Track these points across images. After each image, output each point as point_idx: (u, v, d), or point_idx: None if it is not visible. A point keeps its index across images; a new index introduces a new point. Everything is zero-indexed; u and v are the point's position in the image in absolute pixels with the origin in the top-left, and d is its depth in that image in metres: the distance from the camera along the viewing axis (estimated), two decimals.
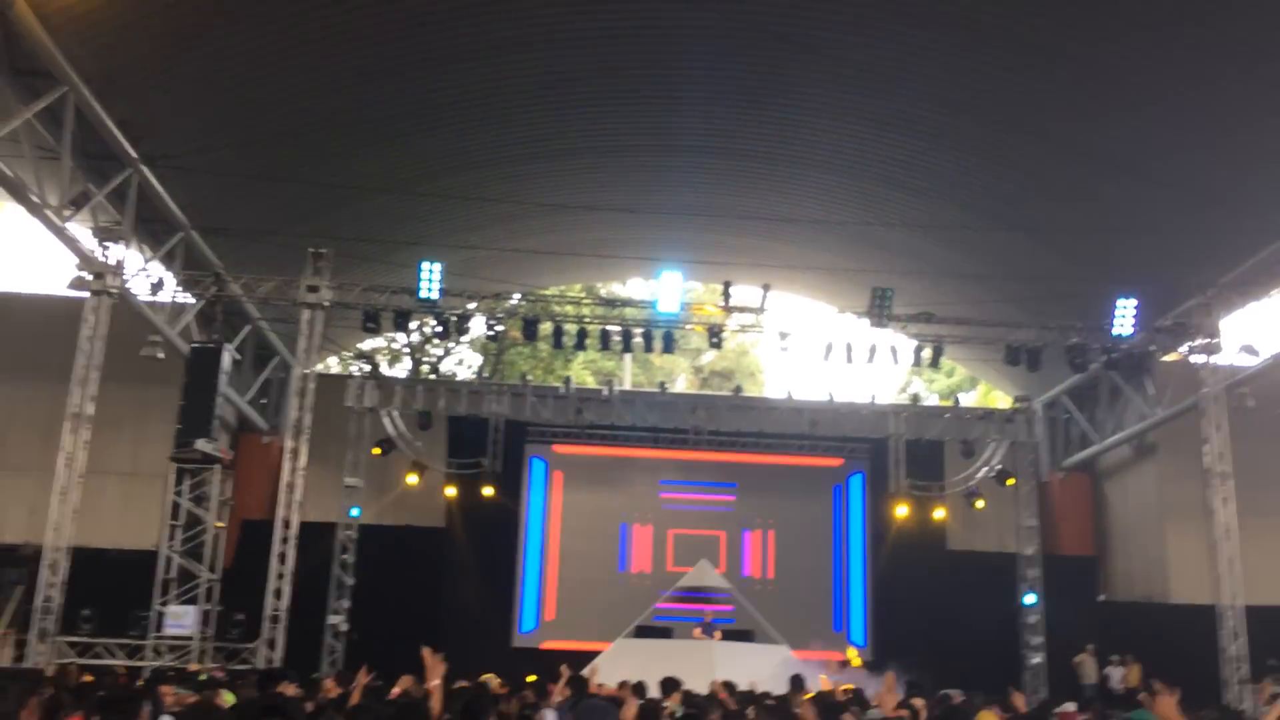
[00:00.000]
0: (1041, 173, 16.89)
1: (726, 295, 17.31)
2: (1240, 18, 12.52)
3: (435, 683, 6.75)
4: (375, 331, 17.85)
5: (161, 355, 16.63)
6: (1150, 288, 17.36)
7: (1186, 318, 17.99)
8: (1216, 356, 17.62)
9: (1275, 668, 15.60)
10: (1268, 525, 17.62)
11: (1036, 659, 20.49)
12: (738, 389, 23.37)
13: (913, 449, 21.96)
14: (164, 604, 16.29)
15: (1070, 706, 10.32)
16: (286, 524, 15.91)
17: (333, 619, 18.94)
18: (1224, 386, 17.50)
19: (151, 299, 16.65)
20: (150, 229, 16.87)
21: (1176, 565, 20.14)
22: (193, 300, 17.70)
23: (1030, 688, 19.89)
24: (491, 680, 12.60)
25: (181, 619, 16.02)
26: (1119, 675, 18.96)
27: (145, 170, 15.47)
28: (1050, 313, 18.02)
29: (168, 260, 17.09)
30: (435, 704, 6.52)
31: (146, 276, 16.59)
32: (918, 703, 9.16)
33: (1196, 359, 17.81)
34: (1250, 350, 17.21)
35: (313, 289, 16.55)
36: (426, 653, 8.11)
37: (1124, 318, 16.61)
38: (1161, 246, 17.35)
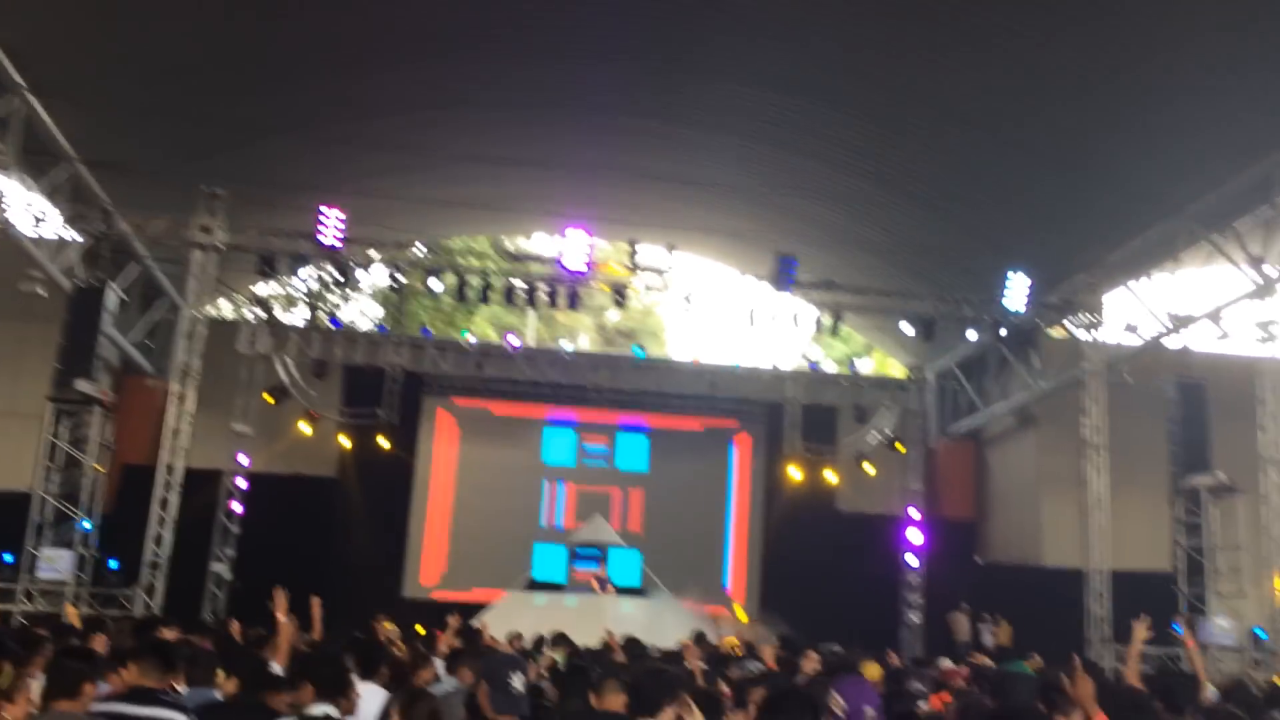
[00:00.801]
0: (941, 146, 17.21)
1: (633, 254, 17.36)
2: (1140, 5, 12.90)
3: (283, 618, 6.73)
4: (270, 276, 17.43)
5: (44, 292, 15.96)
6: (1040, 264, 17.95)
7: (1073, 294, 18.67)
8: (1098, 333, 18.36)
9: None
10: (1137, 496, 18.46)
11: (914, 617, 21.24)
12: (638, 350, 23.51)
13: (808, 413, 22.43)
14: (37, 547, 15.74)
15: (947, 662, 10.72)
16: (170, 469, 15.52)
17: (215, 567, 18.59)
18: (1104, 362, 18.25)
19: (35, 233, 15.94)
20: (35, 161, 16.06)
21: (1050, 530, 20.99)
22: (78, 236, 17.00)
23: (907, 644, 20.64)
24: (388, 628, 12.57)
25: (56, 563, 15.49)
26: (989, 634, 19.77)
27: (31, 99, 14.73)
28: (945, 284, 18.50)
29: (52, 194, 16.35)
30: (282, 640, 6.53)
31: (29, 210, 15.86)
32: (811, 655, 9.41)
33: (1080, 334, 18.53)
34: (1130, 328, 17.94)
35: (206, 230, 16.06)
36: (315, 603, 8.06)
37: (1014, 292, 17.13)
38: (1053, 224, 17.91)
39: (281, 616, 6.78)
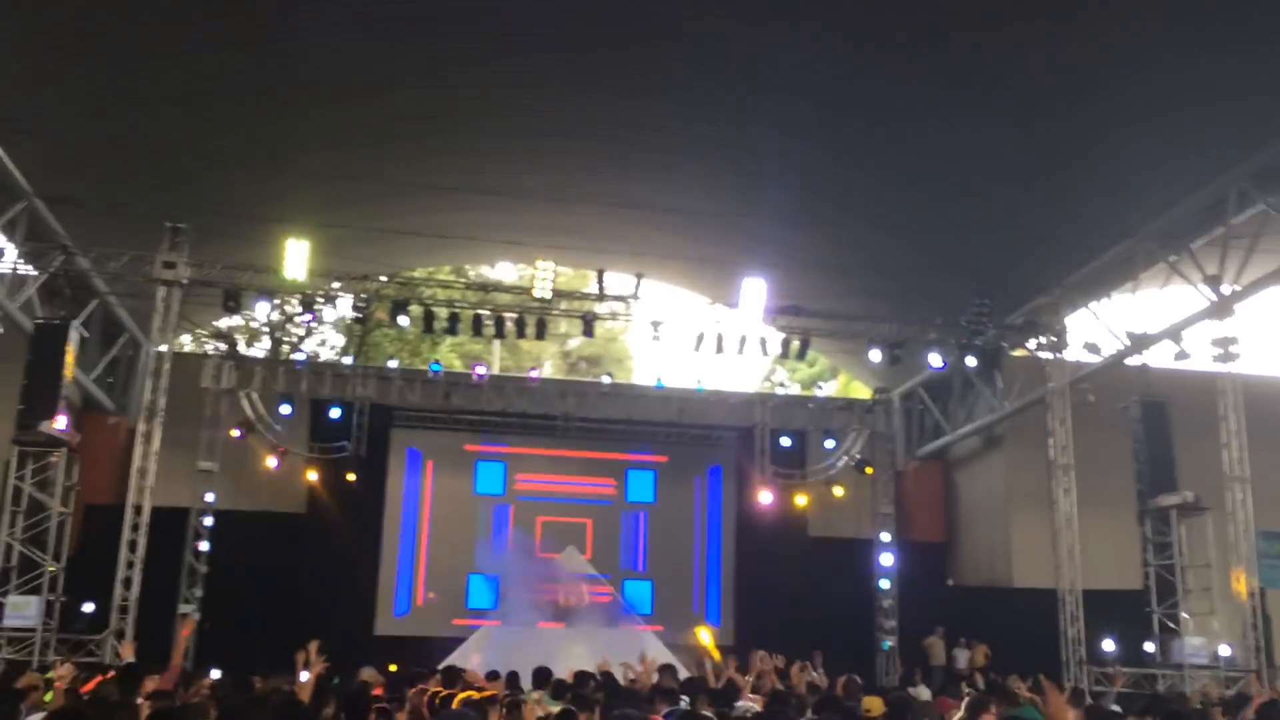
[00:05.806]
0: (903, 169, 17.39)
1: (600, 283, 17.37)
2: (1093, 27, 13.14)
3: (310, 676, 6.66)
4: (235, 311, 17.25)
5: (0, 330, 15.67)
6: (1002, 286, 18.18)
7: (1035, 315, 18.93)
8: (1061, 353, 18.61)
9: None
10: (1104, 514, 18.64)
11: (889, 641, 21.29)
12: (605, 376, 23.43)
13: (777, 437, 22.49)
14: (4, 594, 15.32)
15: (925, 693, 10.74)
16: (138, 510, 15.24)
17: (184, 609, 18.23)
18: (1068, 382, 18.49)
19: None
20: None
21: (1020, 551, 21.16)
22: (35, 273, 16.70)
23: (883, 669, 20.69)
24: (372, 676, 12.39)
25: (24, 610, 15.07)
26: (965, 657, 19.86)
27: None
28: (909, 306, 18.67)
29: (9, 230, 16.06)
30: (305, 696, 6.44)
31: None
32: (809, 676, 9.30)
33: (1043, 355, 18.77)
34: (1092, 348, 18.18)
35: (169, 265, 15.87)
36: (312, 647, 7.93)
37: (980, 316, 17.32)
38: (1013, 246, 18.17)
39: (308, 674, 6.76)
